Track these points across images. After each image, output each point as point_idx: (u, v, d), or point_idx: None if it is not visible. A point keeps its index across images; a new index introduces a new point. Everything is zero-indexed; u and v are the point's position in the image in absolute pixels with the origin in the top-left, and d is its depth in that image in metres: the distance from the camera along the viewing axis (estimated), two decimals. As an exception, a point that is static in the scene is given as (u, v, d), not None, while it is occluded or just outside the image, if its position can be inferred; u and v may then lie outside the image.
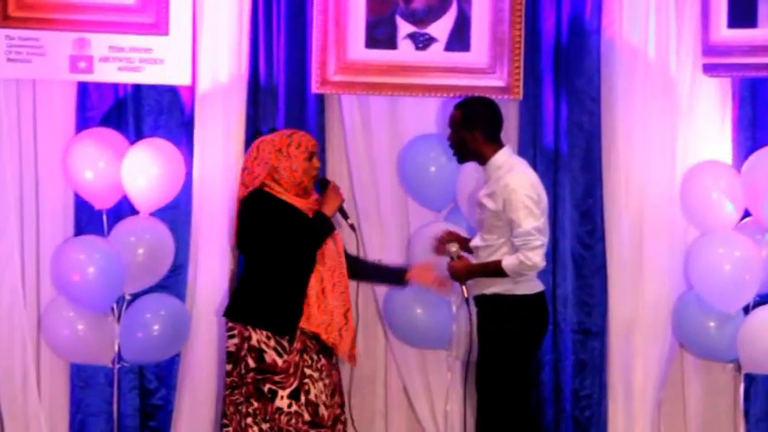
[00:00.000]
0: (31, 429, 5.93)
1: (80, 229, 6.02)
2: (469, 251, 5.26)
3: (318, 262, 4.87)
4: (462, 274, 5.15)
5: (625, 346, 6.01)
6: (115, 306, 5.90)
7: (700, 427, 6.06)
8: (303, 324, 4.83)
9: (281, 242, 4.79)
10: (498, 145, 5.11)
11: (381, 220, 6.09)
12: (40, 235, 5.99)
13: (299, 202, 4.90)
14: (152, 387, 6.11)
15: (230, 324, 4.91)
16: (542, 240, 4.97)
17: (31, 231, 5.97)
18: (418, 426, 6.12)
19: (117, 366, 5.94)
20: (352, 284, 5.76)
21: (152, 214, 5.95)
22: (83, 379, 6.07)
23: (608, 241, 6.03)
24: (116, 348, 5.90)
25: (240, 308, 4.91)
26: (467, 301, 5.16)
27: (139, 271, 5.86)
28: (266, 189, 4.87)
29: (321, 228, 4.87)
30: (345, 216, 5.05)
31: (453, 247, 5.19)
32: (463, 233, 5.67)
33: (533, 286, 5.10)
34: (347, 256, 5.04)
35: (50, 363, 6.00)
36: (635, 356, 5.99)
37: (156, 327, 5.86)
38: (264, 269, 4.86)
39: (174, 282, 6.04)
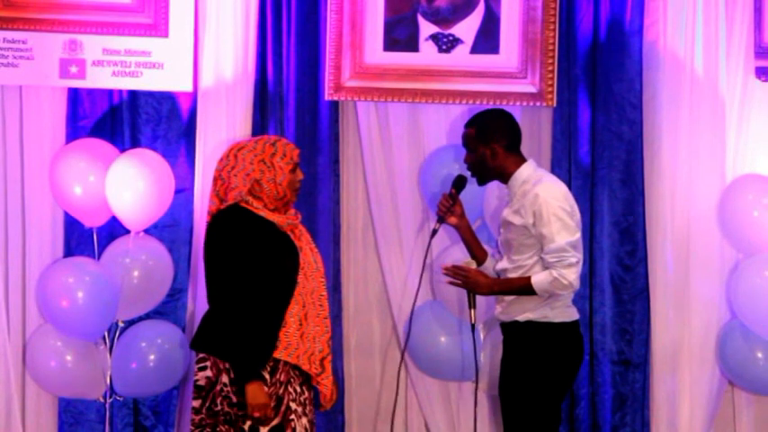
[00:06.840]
0: (14, 471, 5.94)
1: (70, 250, 5.94)
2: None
3: (299, 284, 4.64)
4: (483, 285, 4.92)
5: (669, 379, 5.88)
6: (107, 334, 5.82)
7: (753, 468, 6.00)
8: (280, 355, 4.57)
9: (256, 271, 4.53)
10: (521, 158, 4.95)
11: (401, 240, 5.98)
12: (27, 257, 5.90)
13: (277, 218, 4.66)
14: (148, 424, 5.98)
15: (202, 354, 4.64)
16: (578, 257, 4.77)
17: (17, 252, 5.89)
18: (440, 466, 6.08)
19: (109, 401, 5.85)
20: (369, 310, 6.06)
21: (149, 233, 5.86)
22: (72, 415, 5.96)
23: (650, 263, 5.89)
24: (108, 381, 5.81)
25: (211, 337, 4.61)
26: (473, 327, 5.01)
27: (134, 295, 5.76)
28: (242, 204, 4.63)
29: (250, 364, 4.49)
30: None
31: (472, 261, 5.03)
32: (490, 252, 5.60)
33: (571, 313, 4.89)
34: None
35: (37, 397, 5.92)
36: (680, 390, 5.87)
37: (152, 357, 5.77)
38: (236, 294, 4.55)
39: (172, 307, 5.95)
